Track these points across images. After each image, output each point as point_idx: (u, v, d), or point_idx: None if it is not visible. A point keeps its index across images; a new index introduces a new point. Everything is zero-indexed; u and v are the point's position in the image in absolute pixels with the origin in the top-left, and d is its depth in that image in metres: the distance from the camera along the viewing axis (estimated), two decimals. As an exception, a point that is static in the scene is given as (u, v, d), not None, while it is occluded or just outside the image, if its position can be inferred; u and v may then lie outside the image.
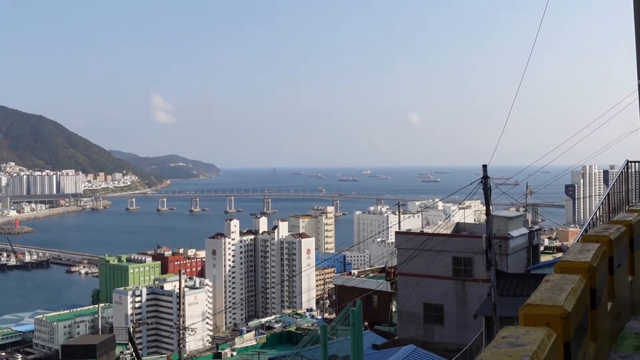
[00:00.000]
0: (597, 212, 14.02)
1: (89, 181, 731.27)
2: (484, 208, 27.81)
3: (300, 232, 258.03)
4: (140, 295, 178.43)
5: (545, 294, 4.20)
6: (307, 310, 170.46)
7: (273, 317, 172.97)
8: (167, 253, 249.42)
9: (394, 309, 50.10)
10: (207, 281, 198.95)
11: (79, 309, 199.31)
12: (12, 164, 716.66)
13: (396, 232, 44.72)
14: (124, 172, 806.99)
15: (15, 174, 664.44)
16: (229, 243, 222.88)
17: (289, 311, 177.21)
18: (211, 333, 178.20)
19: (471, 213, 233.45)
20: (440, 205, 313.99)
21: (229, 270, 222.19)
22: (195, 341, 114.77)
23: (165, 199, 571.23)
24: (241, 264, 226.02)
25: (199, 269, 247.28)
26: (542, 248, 57.24)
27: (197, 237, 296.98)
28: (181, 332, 55.84)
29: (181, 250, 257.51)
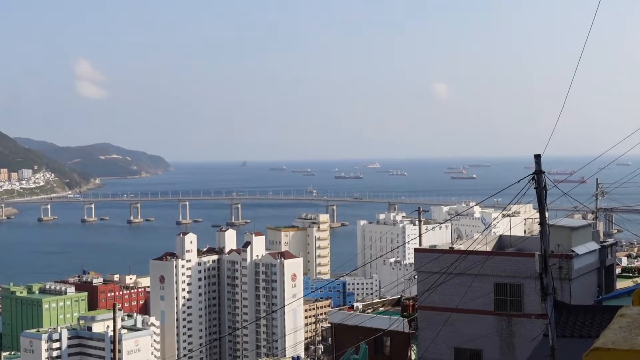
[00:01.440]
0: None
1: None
2: (537, 215, 27.84)
3: (283, 250, 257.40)
4: (59, 340, 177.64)
5: (620, 334, 4.12)
6: (293, 358, 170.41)
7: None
8: (97, 281, 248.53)
9: (413, 356, 50.18)
10: (152, 319, 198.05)
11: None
12: None
13: (416, 250, 44.70)
14: (36, 167, 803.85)
15: None
16: (183, 266, 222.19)
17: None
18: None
19: (520, 222, 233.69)
20: (477, 211, 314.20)
21: (184, 304, 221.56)
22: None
23: (93, 206, 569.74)
24: (200, 295, 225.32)
25: (142, 302, 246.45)
26: (618, 270, 57.41)
27: (138, 258, 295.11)
28: (117, 390, 55.57)
29: (116, 277, 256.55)
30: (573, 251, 39.20)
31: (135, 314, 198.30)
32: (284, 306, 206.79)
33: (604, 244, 43.83)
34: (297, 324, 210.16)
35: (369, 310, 60.56)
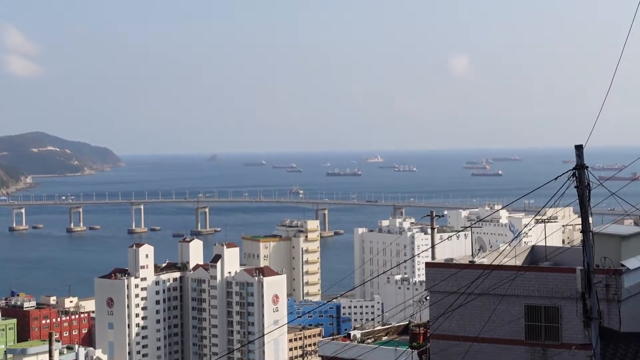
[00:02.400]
0: None
1: None
2: (579, 221, 27.93)
3: (262, 265, 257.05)
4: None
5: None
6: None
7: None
8: (29, 305, 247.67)
9: (424, 398, 50.30)
10: (98, 352, 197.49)
11: None
12: None
13: (427, 264, 44.71)
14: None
15: None
16: (137, 286, 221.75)
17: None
18: None
19: (557, 229, 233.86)
20: (504, 216, 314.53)
21: (137, 334, 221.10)
22: None
23: (23, 210, 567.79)
24: (158, 321, 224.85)
25: (85, 331, 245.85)
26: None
27: (80, 277, 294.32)
28: None
29: (53, 300, 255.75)
30: (623, 265, 39.29)
31: (76, 346, 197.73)
32: (263, 335, 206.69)
33: (662, 256, 43.95)
34: (279, 357, 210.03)
35: (370, 340, 60.70)
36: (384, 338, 60.87)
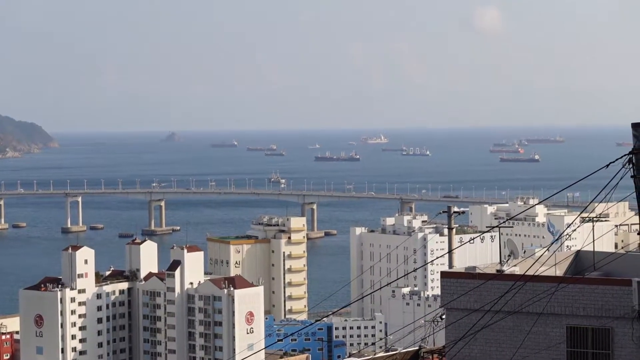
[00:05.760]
0: None
1: None
2: (636, 219, 28.11)
3: (232, 274, 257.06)
4: None
5: None
6: None
7: None
8: None
9: None
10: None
11: None
12: None
13: (443, 274, 44.86)
14: None
15: None
16: (74, 299, 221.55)
17: None
18: None
19: (609, 230, 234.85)
20: (541, 213, 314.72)
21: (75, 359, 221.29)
22: None
23: None
24: (100, 345, 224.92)
25: (7, 357, 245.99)
26: None
27: (1, 289, 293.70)
28: None
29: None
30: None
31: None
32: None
33: None
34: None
35: (369, 370, 61.02)
36: (388, 367, 61.04)
